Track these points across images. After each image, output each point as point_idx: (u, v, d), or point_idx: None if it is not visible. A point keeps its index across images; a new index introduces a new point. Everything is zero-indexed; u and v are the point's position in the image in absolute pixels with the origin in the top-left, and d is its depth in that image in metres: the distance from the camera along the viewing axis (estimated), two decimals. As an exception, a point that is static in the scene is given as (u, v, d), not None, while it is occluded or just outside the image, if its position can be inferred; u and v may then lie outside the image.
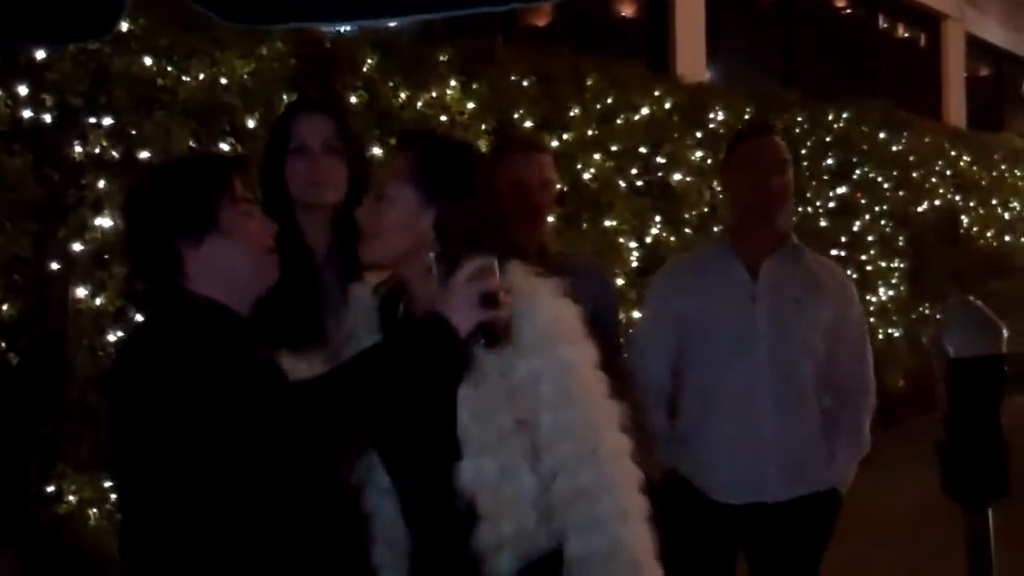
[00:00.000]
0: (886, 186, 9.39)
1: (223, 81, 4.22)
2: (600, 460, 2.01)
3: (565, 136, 6.02)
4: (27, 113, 3.75)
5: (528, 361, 2.00)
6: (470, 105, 5.35)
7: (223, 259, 2.00)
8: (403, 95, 5.01)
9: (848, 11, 10.97)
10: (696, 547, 3.27)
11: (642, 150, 6.62)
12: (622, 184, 6.42)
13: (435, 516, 2.09)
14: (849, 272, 8.76)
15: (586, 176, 6.14)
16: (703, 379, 3.26)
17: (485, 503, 1.99)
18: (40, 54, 3.67)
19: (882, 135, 9.37)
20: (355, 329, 2.22)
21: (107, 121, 3.92)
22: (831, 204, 8.67)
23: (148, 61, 4.00)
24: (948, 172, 10.50)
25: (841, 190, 8.79)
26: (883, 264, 9.26)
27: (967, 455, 2.02)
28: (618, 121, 6.45)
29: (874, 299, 9.09)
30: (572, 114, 6.09)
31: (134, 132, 3.98)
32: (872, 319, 9.00)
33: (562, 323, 2.05)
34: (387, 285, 2.21)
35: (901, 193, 9.58)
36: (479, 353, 2.01)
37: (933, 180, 10.18)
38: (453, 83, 5.28)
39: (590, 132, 6.20)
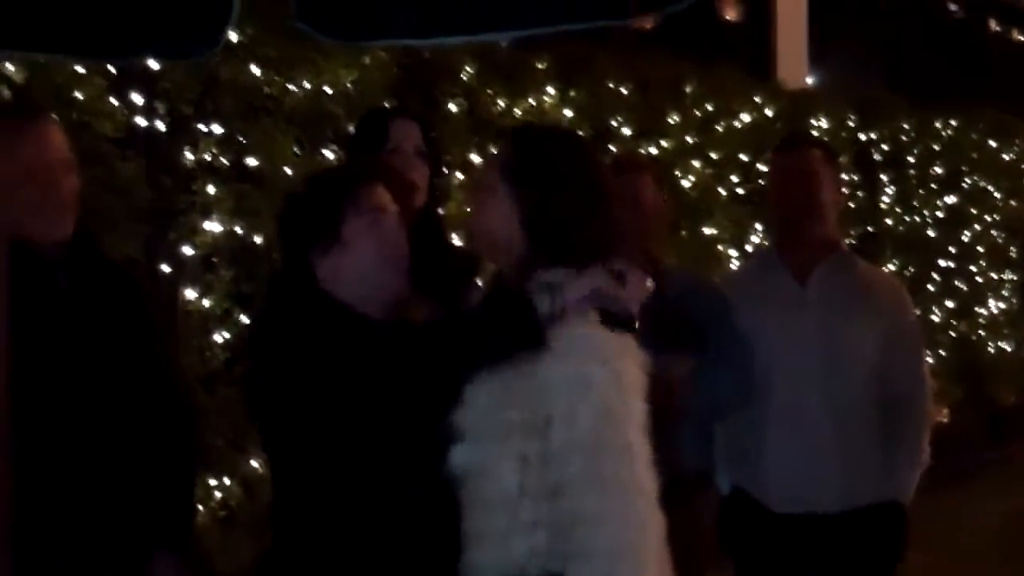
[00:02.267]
0: (997, 195, 9.16)
1: (327, 90, 4.33)
2: (606, 488, 1.92)
3: (664, 143, 6.02)
4: (141, 121, 3.90)
5: (548, 368, 1.96)
6: (568, 112, 5.40)
7: (347, 268, 2.15)
8: (501, 103, 5.08)
9: (957, 14, 10.73)
10: (765, 561, 3.27)
11: (742, 157, 6.58)
12: (722, 192, 6.40)
13: (429, 497, 2.08)
14: (958, 284, 8.60)
15: (685, 184, 6.13)
16: (756, 389, 3.22)
17: (466, 492, 2.00)
18: (153, 64, 3.82)
19: (992, 143, 9.14)
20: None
21: (216, 128, 4.07)
22: (939, 214, 8.49)
23: (256, 70, 4.13)
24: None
25: (950, 199, 8.60)
26: (994, 276, 9.04)
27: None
28: (718, 128, 6.43)
29: (984, 312, 8.88)
30: (671, 121, 6.10)
31: (242, 139, 4.12)
32: (982, 332, 8.80)
33: (599, 343, 1.98)
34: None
35: (1012, 203, 9.33)
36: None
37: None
38: (551, 90, 5.33)
39: (689, 139, 6.19)
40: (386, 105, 4.47)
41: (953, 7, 10.62)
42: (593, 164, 2.15)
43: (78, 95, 3.68)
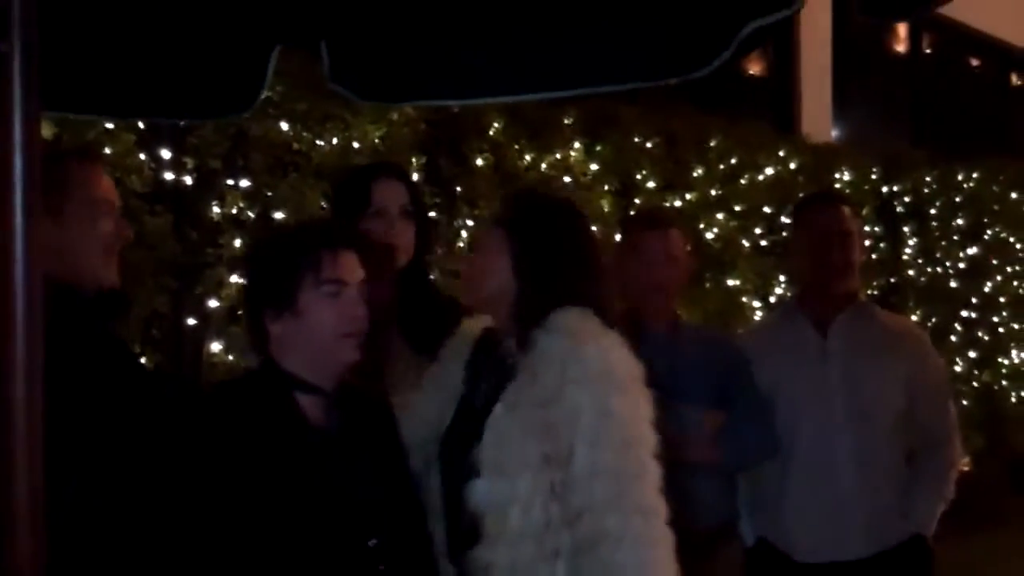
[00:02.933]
0: (1019, 247, 9.12)
1: (355, 145, 4.34)
2: (627, 509, 2.00)
3: (688, 196, 6.02)
4: (169, 175, 3.91)
5: (572, 397, 2.03)
6: (594, 166, 5.40)
7: (297, 338, 2.07)
8: (528, 157, 5.08)
9: (979, 68, 10.75)
10: None
11: (766, 210, 6.57)
12: (745, 243, 6.38)
13: (445, 530, 2.14)
14: (980, 334, 8.56)
15: (709, 236, 6.12)
16: (779, 440, 3.24)
17: (489, 525, 2.02)
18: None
19: (1014, 195, 9.13)
20: (447, 352, 2.34)
21: (244, 183, 4.07)
22: (961, 265, 8.46)
23: (284, 126, 4.14)
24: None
25: (972, 250, 8.58)
26: (1016, 326, 8.98)
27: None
28: (742, 181, 6.43)
29: (1007, 362, 8.82)
30: (696, 174, 6.09)
31: (269, 194, 4.12)
32: (1004, 382, 8.74)
33: (615, 370, 2.07)
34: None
35: (1035, 254, 9.29)
36: (520, 381, 2.08)
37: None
38: (577, 145, 5.34)
39: (713, 192, 6.19)
40: (412, 166, 4.49)
41: (974, 62, 10.63)
42: (582, 222, 2.32)
43: (107, 150, 3.69)
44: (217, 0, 2.09)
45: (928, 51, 9.85)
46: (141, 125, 3.76)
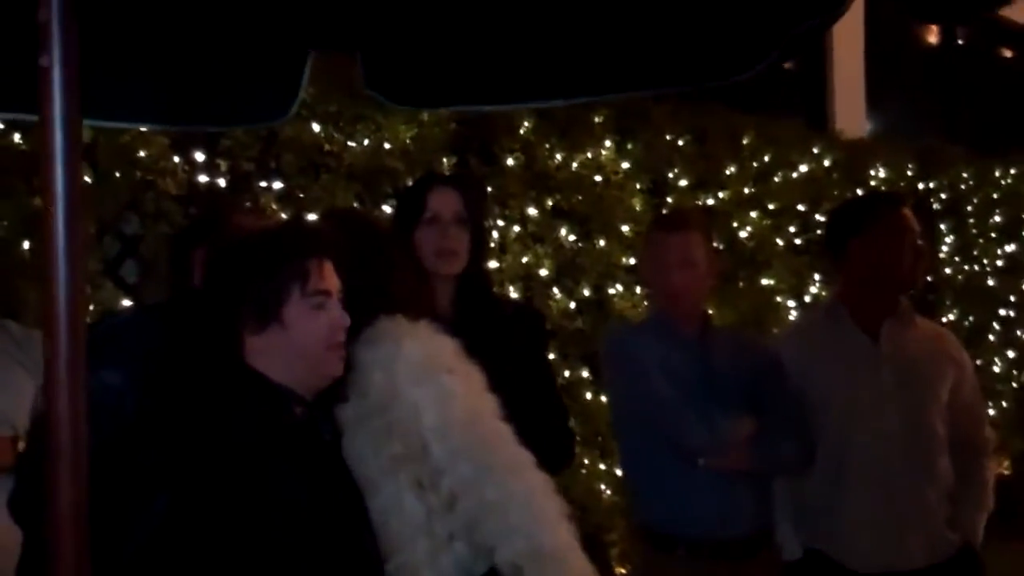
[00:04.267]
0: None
1: (386, 146, 4.34)
2: (499, 475, 2.10)
3: (721, 195, 5.98)
4: (203, 178, 3.92)
5: (405, 396, 2.11)
6: (625, 165, 5.37)
7: (282, 350, 2.00)
8: (559, 156, 5.06)
9: (1014, 60, 10.63)
10: None
11: (800, 208, 6.52)
12: (779, 242, 6.33)
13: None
14: (1019, 333, 8.46)
15: (743, 234, 6.07)
16: (832, 448, 3.16)
17: (383, 540, 2.08)
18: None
19: (1053, 190, 9.02)
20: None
21: (277, 184, 4.09)
22: (999, 263, 8.36)
23: (316, 127, 4.15)
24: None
25: (1010, 248, 8.47)
26: (1054, 325, 8.87)
27: None
28: (775, 179, 6.37)
29: (1045, 361, 8.72)
30: (728, 172, 6.05)
31: (302, 195, 4.13)
32: (1040, 384, 8.64)
33: (439, 356, 2.17)
34: None
35: (1074, 251, 9.17)
36: (352, 401, 2.13)
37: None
38: (608, 143, 5.31)
39: (746, 190, 6.14)
40: (443, 166, 4.49)
41: (1009, 54, 10.51)
42: (384, 236, 2.44)
43: (142, 154, 3.72)
44: (252, 8, 2.09)
45: (961, 43, 9.75)
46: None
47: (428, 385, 2.12)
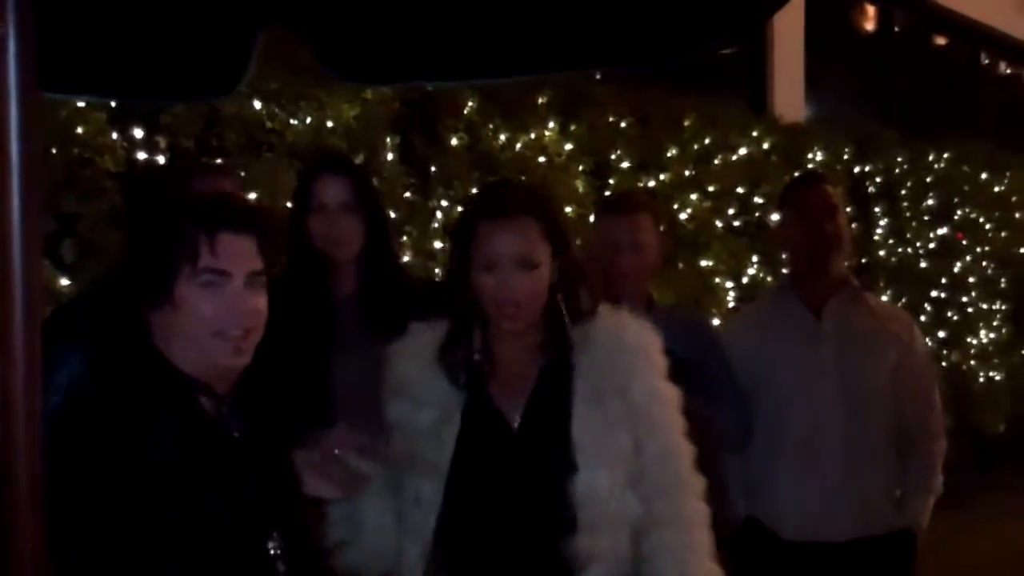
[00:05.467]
0: (988, 227, 9.21)
1: (329, 124, 4.30)
2: (686, 491, 2.12)
3: (662, 176, 6.02)
4: (142, 155, 3.85)
5: (643, 383, 2.12)
6: (568, 146, 5.38)
7: (177, 331, 1.84)
8: (503, 137, 5.06)
9: (949, 48, 10.81)
10: None
11: (739, 190, 6.59)
12: (719, 224, 6.39)
13: (536, 524, 2.11)
14: (950, 314, 8.64)
15: (682, 216, 6.12)
16: (771, 421, 3.26)
17: (589, 516, 2.05)
18: (155, 98, 3.78)
19: (984, 175, 9.21)
20: (403, 358, 2.22)
21: (218, 162, 4.03)
22: (931, 245, 8.53)
23: (258, 105, 4.10)
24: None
25: (942, 231, 8.65)
26: (984, 306, 9.08)
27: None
28: (715, 161, 6.44)
29: (975, 342, 8.92)
30: (669, 155, 6.10)
31: (243, 173, 4.07)
32: (973, 362, 8.83)
33: (656, 354, 2.18)
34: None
35: (1003, 234, 9.38)
36: (598, 375, 2.12)
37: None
38: (552, 124, 5.32)
39: (687, 172, 6.19)
40: (387, 146, 4.46)
41: (942, 41, 10.68)
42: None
43: (79, 130, 3.64)
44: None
45: (897, 29, 9.90)
46: (112, 104, 3.71)
47: (658, 381, 2.15)
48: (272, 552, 1.88)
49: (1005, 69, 11.85)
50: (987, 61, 11.52)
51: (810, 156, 7.24)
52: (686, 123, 6.23)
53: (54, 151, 3.62)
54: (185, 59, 2.27)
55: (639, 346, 2.16)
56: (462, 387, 2.16)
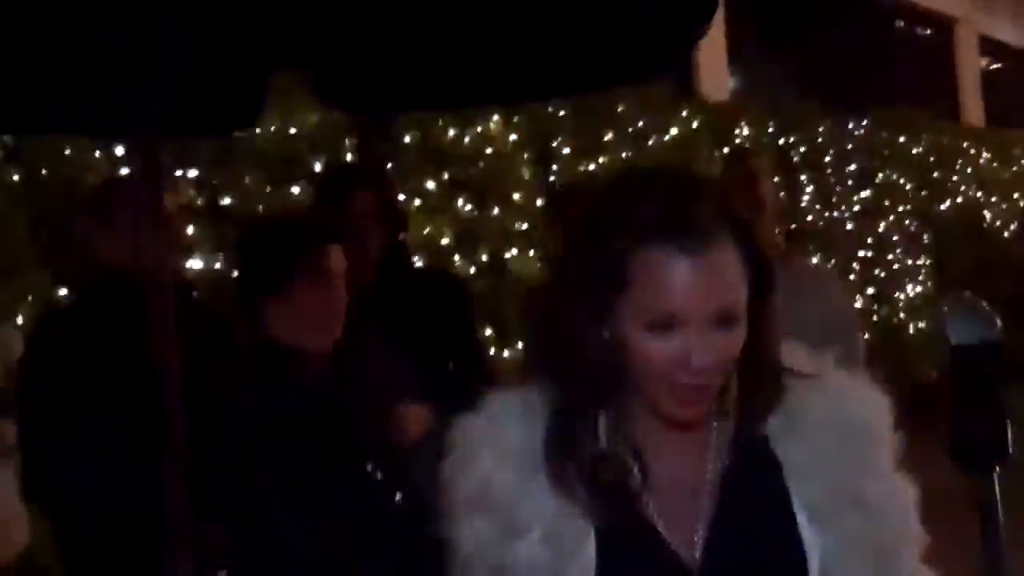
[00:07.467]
0: (908, 187, 9.68)
1: (292, 131, 4.62)
2: None
3: (601, 160, 6.39)
4: (125, 170, 4.14)
5: (879, 481, 1.47)
6: (512, 137, 5.73)
7: (284, 320, 2.33)
8: (452, 132, 5.40)
9: (864, 17, 11.18)
10: None
11: (673, 168, 6.94)
12: (656, 201, 6.75)
13: None
14: (877, 271, 9.10)
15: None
16: None
17: None
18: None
19: (902, 139, 9.67)
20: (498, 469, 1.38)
21: (192, 173, 4.33)
22: (856, 208, 8.97)
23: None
24: (968, 170, 10.77)
25: (865, 194, 9.10)
26: (909, 262, 9.55)
27: (971, 424, 2.29)
28: (650, 143, 6.82)
29: (902, 296, 9.39)
30: (606, 139, 6.47)
31: (215, 182, 4.38)
32: (902, 315, 9.28)
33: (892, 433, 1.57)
34: None
35: (923, 193, 9.87)
36: (823, 474, 1.43)
37: (954, 179, 10.47)
38: (495, 117, 5.65)
39: (624, 155, 6.56)
40: (346, 146, 4.77)
41: (859, 11, 11.05)
42: None
43: (68, 152, 3.93)
44: (220, 29, 2.38)
45: (814, 2, 10.26)
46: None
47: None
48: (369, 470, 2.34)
49: (918, 35, 12.32)
50: (901, 27, 11.97)
51: (737, 132, 7.64)
52: (620, 108, 6.59)
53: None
54: (205, 97, 2.59)
55: (867, 420, 1.47)
56: (590, 507, 1.34)
